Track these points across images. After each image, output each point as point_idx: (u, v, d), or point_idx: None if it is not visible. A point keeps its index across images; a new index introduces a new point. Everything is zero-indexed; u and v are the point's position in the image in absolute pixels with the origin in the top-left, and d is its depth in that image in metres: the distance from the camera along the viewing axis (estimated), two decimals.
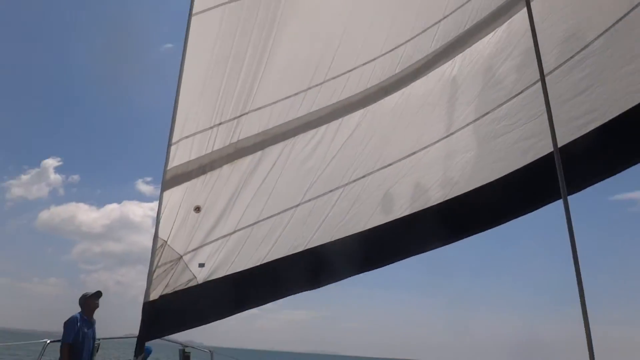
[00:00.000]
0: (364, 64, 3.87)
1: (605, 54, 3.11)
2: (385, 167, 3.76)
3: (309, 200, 3.98)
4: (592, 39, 3.15)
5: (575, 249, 1.95)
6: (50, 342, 5.45)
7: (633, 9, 3.00)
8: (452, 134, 3.60)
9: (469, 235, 3.43)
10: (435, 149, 3.64)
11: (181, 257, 4.61)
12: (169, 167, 4.67)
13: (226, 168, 4.43)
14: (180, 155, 4.62)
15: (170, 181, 4.66)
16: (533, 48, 2.56)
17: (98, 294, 5.91)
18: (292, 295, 4.11)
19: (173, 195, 4.66)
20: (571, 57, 3.24)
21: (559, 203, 2.19)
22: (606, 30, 3.10)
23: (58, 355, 5.49)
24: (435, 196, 3.53)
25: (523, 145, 3.28)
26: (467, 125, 3.55)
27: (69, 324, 5.53)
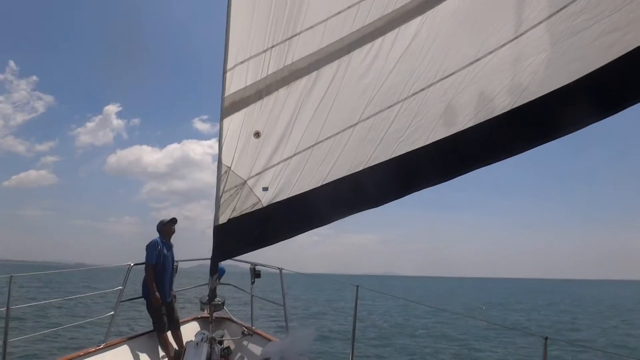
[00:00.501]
0: None
1: None
2: (447, 77, 3.50)
3: (368, 117, 3.84)
4: None
5: None
6: (134, 265, 5.88)
7: None
8: (521, 35, 3.24)
9: (540, 144, 3.17)
10: (501, 53, 3.31)
11: (245, 182, 4.70)
12: (226, 95, 4.66)
13: (282, 91, 4.34)
14: (236, 82, 4.57)
15: (228, 108, 4.67)
16: None
17: (174, 220, 6.28)
18: (353, 218, 4.10)
19: (232, 122, 4.68)
20: None
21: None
22: None
23: (141, 279, 5.97)
24: (502, 104, 3.27)
25: (606, 41, 2.90)
26: (539, 23, 3.17)
27: (151, 246, 5.94)
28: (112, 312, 5.56)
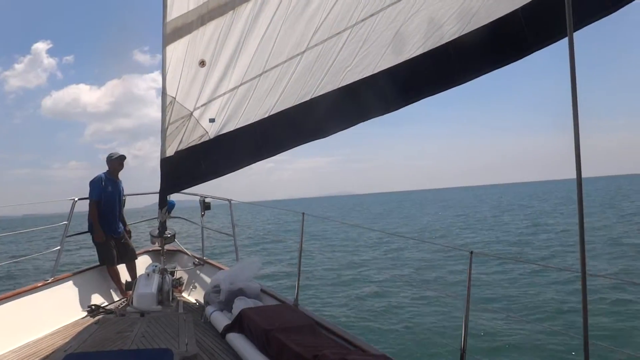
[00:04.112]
0: None
1: None
2: (396, 2, 3.16)
3: (315, 45, 3.48)
4: None
5: None
6: (78, 199, 5.41)
7: None
8: None
9: (488, 72, 2.95)
10: None
11: (191, 113, 4.29)
12: (168, 20, 4.12)
13: (228, 16, 3.85)
14: (178, 6, 4.03)
15: (171, 35, 4.15)
16: None
17: (122, 157, 5.79)
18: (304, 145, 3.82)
19: (176, 50, 4.18)
20: None
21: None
22: None
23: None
24: (451, 31, 3.00)
25: None
26: None
27: (94, 182, 5.47)
28: (59, 247, 5.15)
